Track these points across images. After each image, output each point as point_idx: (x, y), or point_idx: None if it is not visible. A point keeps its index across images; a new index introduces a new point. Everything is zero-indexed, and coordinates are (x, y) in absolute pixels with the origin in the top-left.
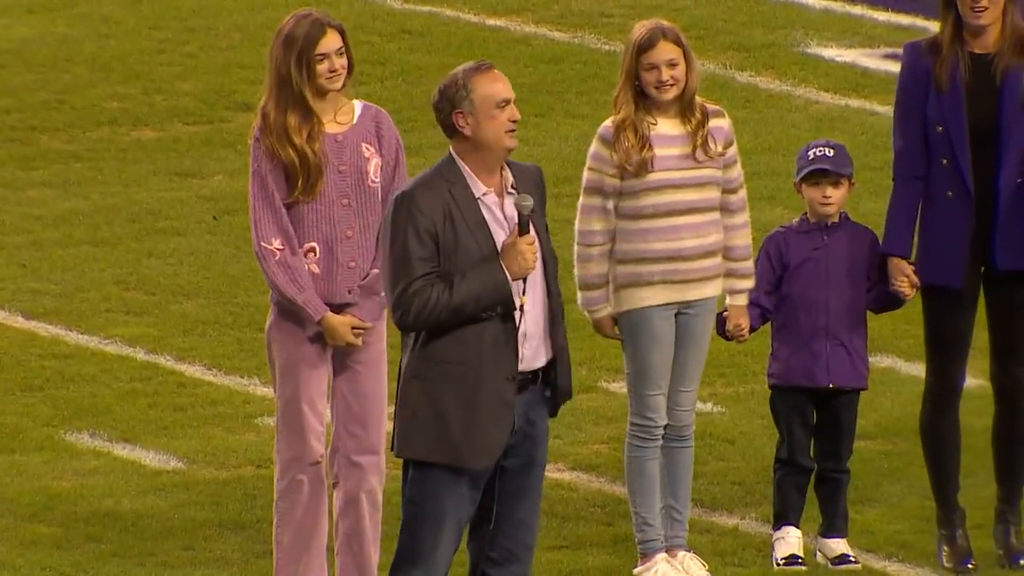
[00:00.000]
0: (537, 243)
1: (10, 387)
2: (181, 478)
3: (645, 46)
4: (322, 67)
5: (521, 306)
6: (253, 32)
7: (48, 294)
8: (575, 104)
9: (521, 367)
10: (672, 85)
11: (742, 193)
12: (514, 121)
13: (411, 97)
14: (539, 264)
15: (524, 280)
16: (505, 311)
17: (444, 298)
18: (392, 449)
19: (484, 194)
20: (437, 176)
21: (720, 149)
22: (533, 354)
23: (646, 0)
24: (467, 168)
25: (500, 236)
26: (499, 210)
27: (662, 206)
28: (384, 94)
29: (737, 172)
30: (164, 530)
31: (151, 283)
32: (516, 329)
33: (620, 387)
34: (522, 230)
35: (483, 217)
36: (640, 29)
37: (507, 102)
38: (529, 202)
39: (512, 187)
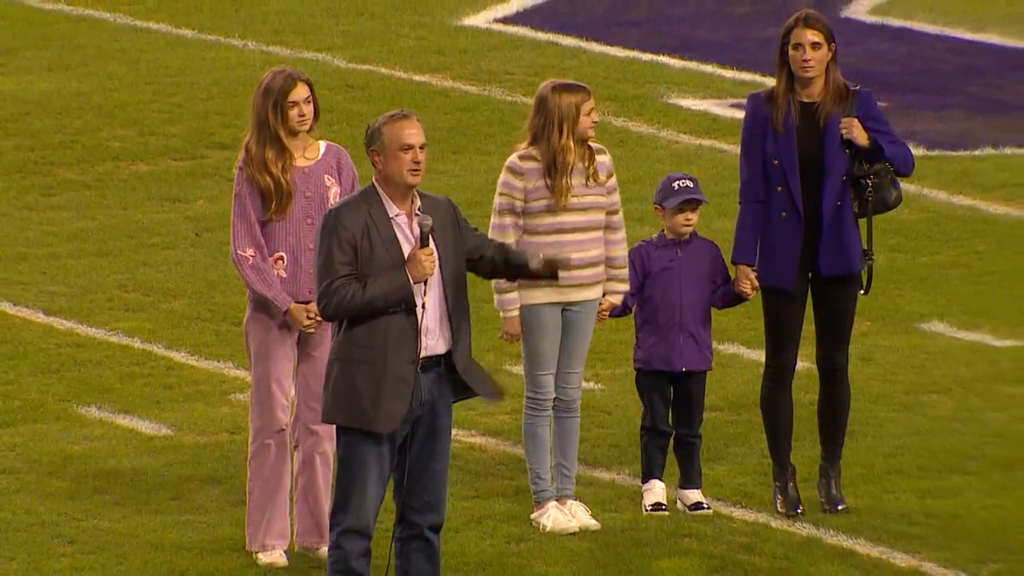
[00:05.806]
0: (436, 255)
1: (32, 370)
2: (170, 442)
3: (587, 108)
4: (293, 112)
5: (423, 304)
6: (228, 86)
7: (63, 295)
8: (484, 144)
9: (424, 353)
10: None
11: (621, 215)
12: (417, 162)
13: (354, 139)
14: (437, 270)
15: (425, 283)
16: (408, 307)
17: (359, 294)
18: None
19: (396, 215)
20: (360, 198)
21: (604, 178)
22: (434, 343)
23: (541, 61)
24: (384, 193)
25: (407, 248)
26: (408, 228)
27: (553, 225)
28: (332, 136)
29: (617, 197)
30: (156, 484)
31: (146, 287)
32: (418, 323)
33: (520, 369)
34: (423, 243)
35: (394, 233)
36: (573, 98)
37: (410, 147)
38: (429, 221)
39: (418, 210)
